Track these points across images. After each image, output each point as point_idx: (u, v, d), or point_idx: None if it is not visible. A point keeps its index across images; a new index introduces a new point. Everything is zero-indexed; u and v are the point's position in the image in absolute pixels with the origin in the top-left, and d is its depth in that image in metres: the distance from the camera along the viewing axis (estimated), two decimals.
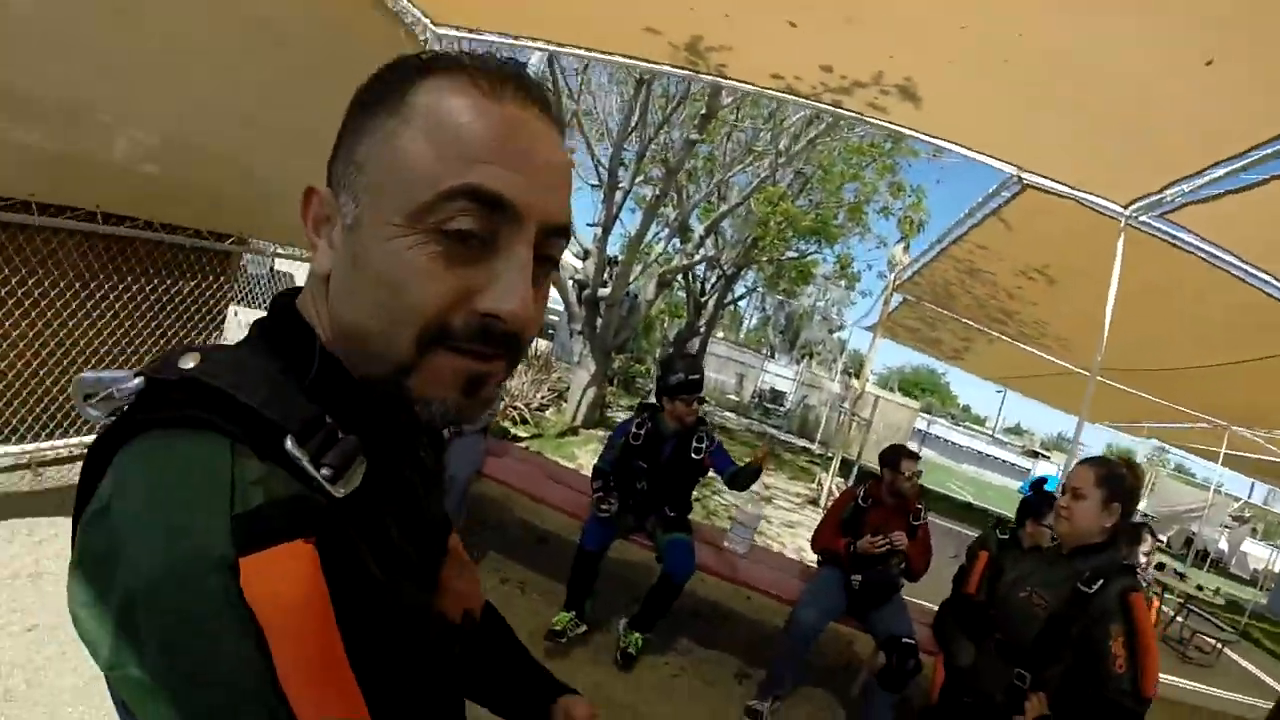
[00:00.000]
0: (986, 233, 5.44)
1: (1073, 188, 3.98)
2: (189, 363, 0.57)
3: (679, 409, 3.79)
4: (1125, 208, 3.80)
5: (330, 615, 0.52)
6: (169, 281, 4.38)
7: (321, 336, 0.64)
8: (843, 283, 21.80)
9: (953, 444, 33.68)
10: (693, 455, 3.88)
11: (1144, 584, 3.72)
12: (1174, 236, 3.85)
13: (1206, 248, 3.84)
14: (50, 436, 3.97)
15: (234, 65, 3.63)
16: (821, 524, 4.23)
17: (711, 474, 4.05)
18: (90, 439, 3.34)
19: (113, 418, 0.56)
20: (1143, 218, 3.77)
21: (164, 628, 0.47)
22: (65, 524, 3.24)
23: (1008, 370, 11.94)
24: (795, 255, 15.87)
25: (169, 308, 4.43)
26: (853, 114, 4.12)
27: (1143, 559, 4.12)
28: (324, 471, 0.56)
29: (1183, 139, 3.18)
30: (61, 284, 3.85)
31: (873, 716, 3.66)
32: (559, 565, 4.03)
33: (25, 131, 3.16)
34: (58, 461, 3.97)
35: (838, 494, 4.72)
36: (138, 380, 0.57)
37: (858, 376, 12.77)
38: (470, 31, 4.55)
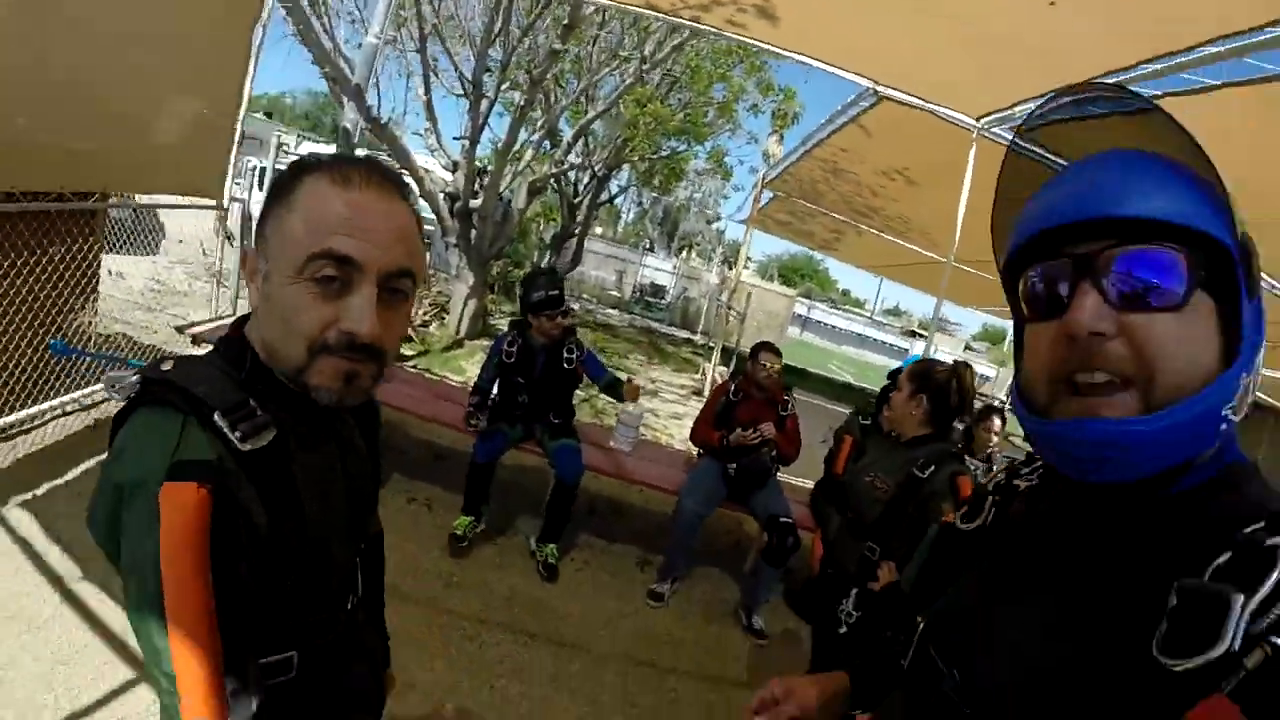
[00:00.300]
0: (847, 137, 5.69)
1: (926, 100, 4.26)
2: (166, 366, 0.89)
3: (544, 325, 3.94)
4: (977, 120, 4.14)
5: (203, 551, 0.79)
6: (34, 248, 4.15)
7: (256, 349, 0.94)
8: (718, 176, 21.99)
9: (833, 327, 34.72)
10: (565, 366, 4.08)
11: (975, 466, 4.11)
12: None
13: (1051, 156, 4.25)
14: None
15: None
16: (697, 419, 4.46)
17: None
18: None
19: (125, 400, 0.88)
20: (994, 129, 4.12)
21: (131, 516, 0.80)
22: None
23: (878, 259, 12.48)
24: (666, 154, 15.93)
25: (42, 275, 4.22)
26: (712, 30, 4.22)
27: (994, 439, 4.45)
28: (237, 434, 0.85)
29: (1030, 65, 3.51)
30: None
31: (760, 589, 4.14)
32: (459, 479, 4.22)
33: None
34: None
35: (719, 383, 5.01)
36: (136, 378, 0.88)
37: (734, 266, 13.11)
38: None
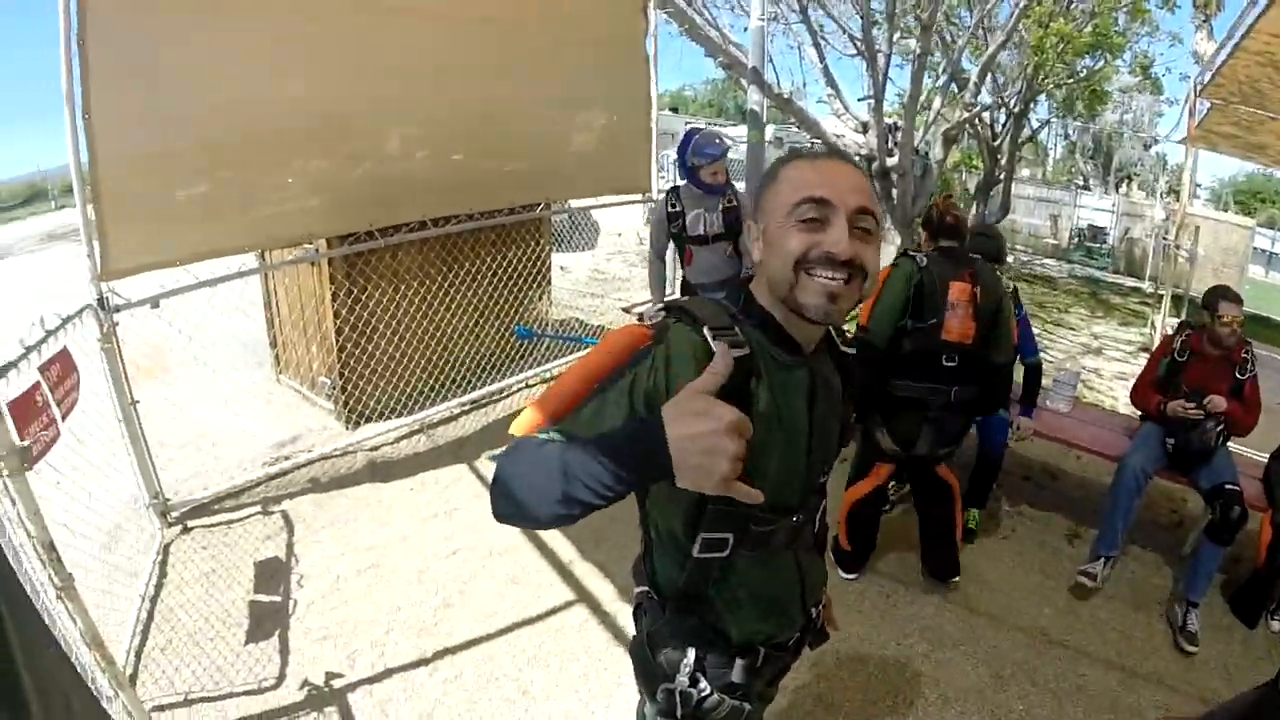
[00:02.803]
0: (1274, 20, 4.64)
1: None
2: (680, 302, 1.20)
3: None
4: None
5: (616, 360, 1.12)
6: (495, 255, 5.23)
7: (755, 296, 1.23)
8: (1146, 90, 18.85)
9: None
10: None
11: None
12: None
13: None
14: (433, 404, 4.96)
15: (488, 55, 4.43)
16: (1138, 379, 4.06)
17: None
18: (464, 399, 4.31)
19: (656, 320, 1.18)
20: None
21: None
22: (462, 469, 4.19)
23: None
24: (1083, 74, 14.11)
25: (502, 276, 5.33)
26: None
27: None
28: (716, 343, 1.08)
29: None
30: (414, 284, 4.76)
31: (1200, 577, 3.49)
32: None
33: (346, 176, 4.08)
34: (442, 422, 4.93)
35: None
36: (661, 307, 1.20)
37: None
38: None
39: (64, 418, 2.40)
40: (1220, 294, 3.66)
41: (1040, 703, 2.97)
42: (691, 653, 1.31)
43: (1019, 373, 4.00)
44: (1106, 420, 4.69)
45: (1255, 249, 19.81)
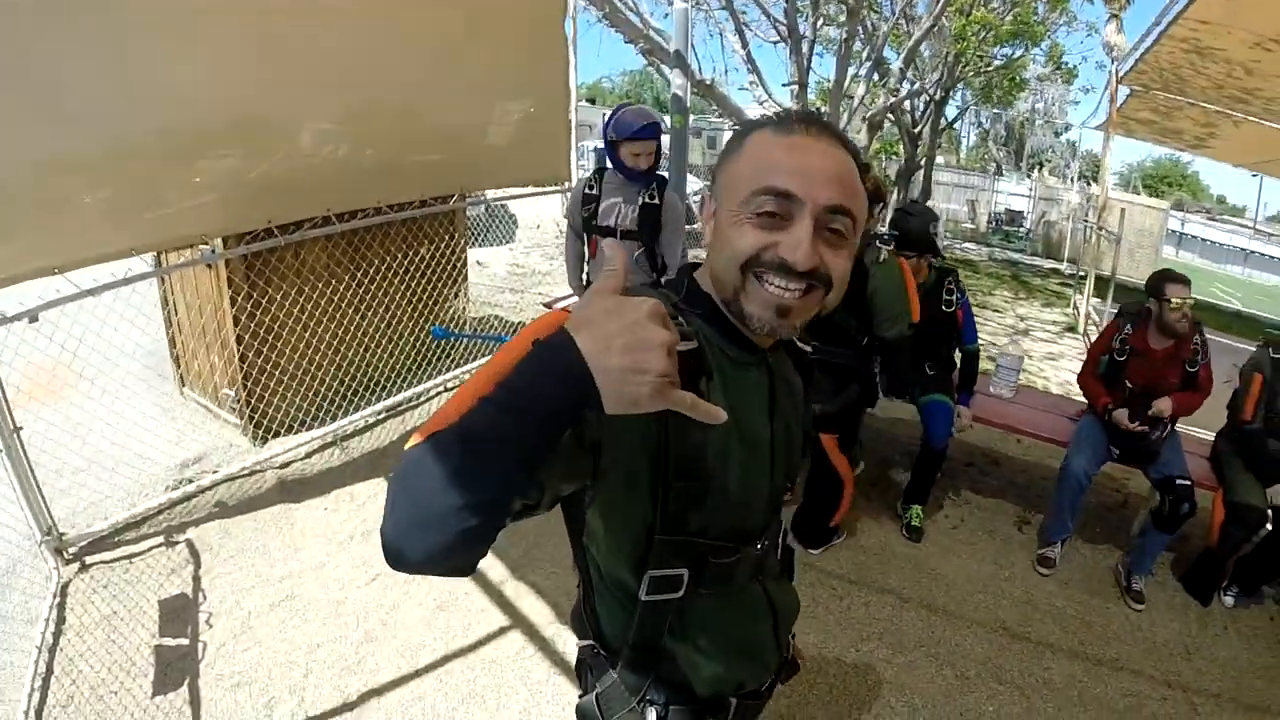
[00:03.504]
0: (1206, 6, 4.70)
1: None
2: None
3: (919, 264, 3.67)
4: None
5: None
6: (407, 250, 4.86)
7: (701, 285, 1.04)
8: (1059, 79, 19.52)
9: (1212, 243, 27.95)
10: (943, 309, 3.74)
11: None
12: None
13: None
14: (346, 414, 4.57)
15: (403, 47, 4.10)
16: (1083, 367, 3.89)
17: None
18: (379, 406, 3.91)
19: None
20: None
21: None
22: (379, 484, 3.83)
23: (1260, 154, 10.27)
24: (1001, 63, 14.47)
25: (415, 273, 4.95)
26: None
27: None
28: None
29: None
30: (319, 284, 4.37)
31: (1146, 556, 3.52)
32: None
33: (244, 172, 3.71)
34: (357, 433, 4.56)
35: (1094, 317, 4.33)
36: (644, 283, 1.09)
37: (1094, 182, 11.45)
38: None
39: None
40: (1166, 277, 3.48)
41: (1010, 700, 2.88)
42: (652, 714, 1.11)
43: (958, 359, 4.00)
44: (1048, 403, 4.64)
45: (1168, 230, 20.77)
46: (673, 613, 1.05)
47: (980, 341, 4.02)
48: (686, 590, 1.03)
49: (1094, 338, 3.87)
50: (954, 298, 3.74)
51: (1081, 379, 3.87)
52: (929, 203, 17.99)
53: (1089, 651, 3.19)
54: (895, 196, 16.25)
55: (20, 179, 2.96)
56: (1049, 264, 17.93)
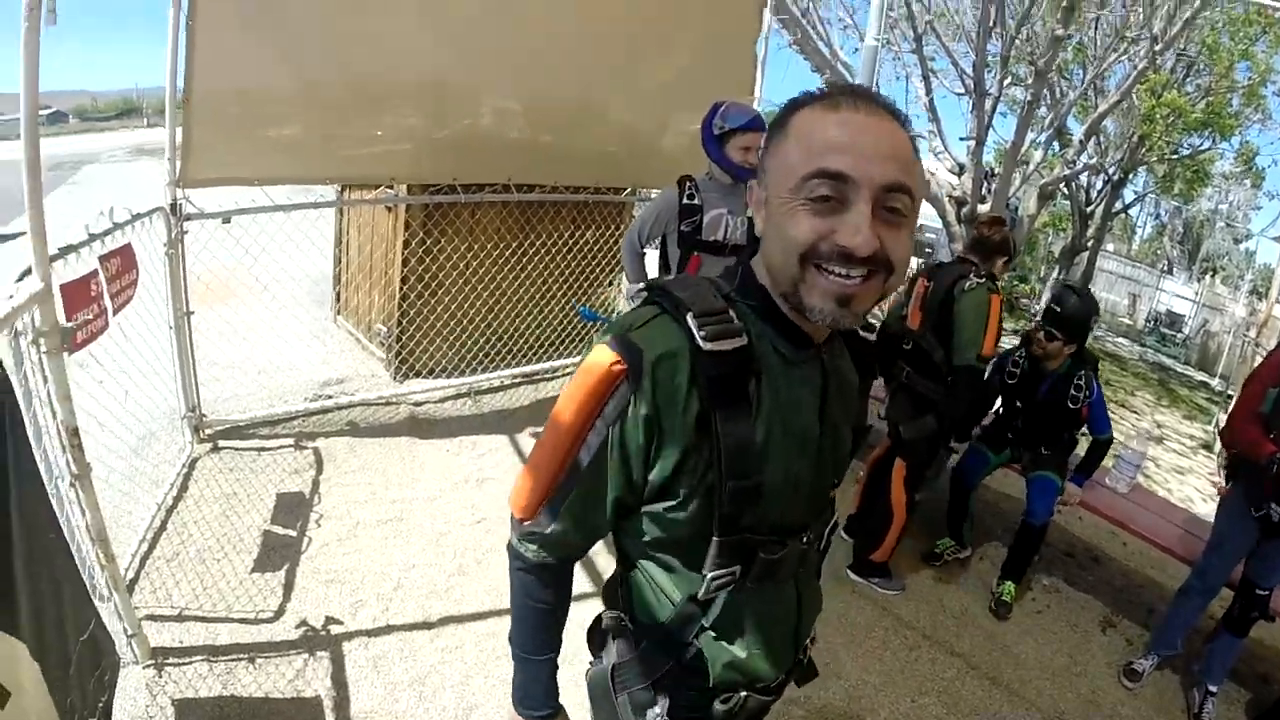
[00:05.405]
0: None
1: None
2: (661, 282, 1.02)
3: (1041, 343, 3.56)
4: None
5: (589, 412, 0.96)
6: (573, 231, 5.16)
7: (757, 276, 1.01)
8: (1246, 181, 18.26)
9: None
10: (1069, 405, 3.58)
11: None
12: None
13: None
14: (485, 370, 4.92)
15: (601, 36, 4.34)
16: (1234, 410, 3.17)
17: None
18: (516, 370, 4.36)
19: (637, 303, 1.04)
20: None
21: None
22: (502, 440, 4.12)
23: None
24: (1187, 152, 13.72)
25: (575, 253, 5.24)
26: None
27: None
28: (702, 333, 0.91)
29: None
30: (489, 246, 4.69)
31: (1217, 664, 3.27)
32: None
33: (438, 128, 4.05)
34: (491, 390, 4.89)
35: None
36: (641, 288, 1.06)
37: (1265, 297, 10.73)
38: None
39: (115, 312, 2.38)
40: None
41: None
42: (663, 702, 1.13)
43: (1083, 444, 3.88)
44: (1162, 508, 4.38)
45: None
46: (715, 604, 1.07)
47: (1112, 435, 3.85)
48: (736, 585, 1.04)
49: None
50: (1082, 394, 3.56)
51: (1234, 425, 3.06)
52: (1089, 288, 17.19)
53: None
54: (1056, 275, 15.66)
55: (239, 100, 3.37)
56: (1200, 375, 16.87)
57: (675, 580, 1.07)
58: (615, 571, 1.21)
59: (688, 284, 0.99)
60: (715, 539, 0.99)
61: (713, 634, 1.09)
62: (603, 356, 0.94)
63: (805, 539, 1.11)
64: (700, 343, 0.91)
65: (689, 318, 0.93)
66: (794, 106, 0.95)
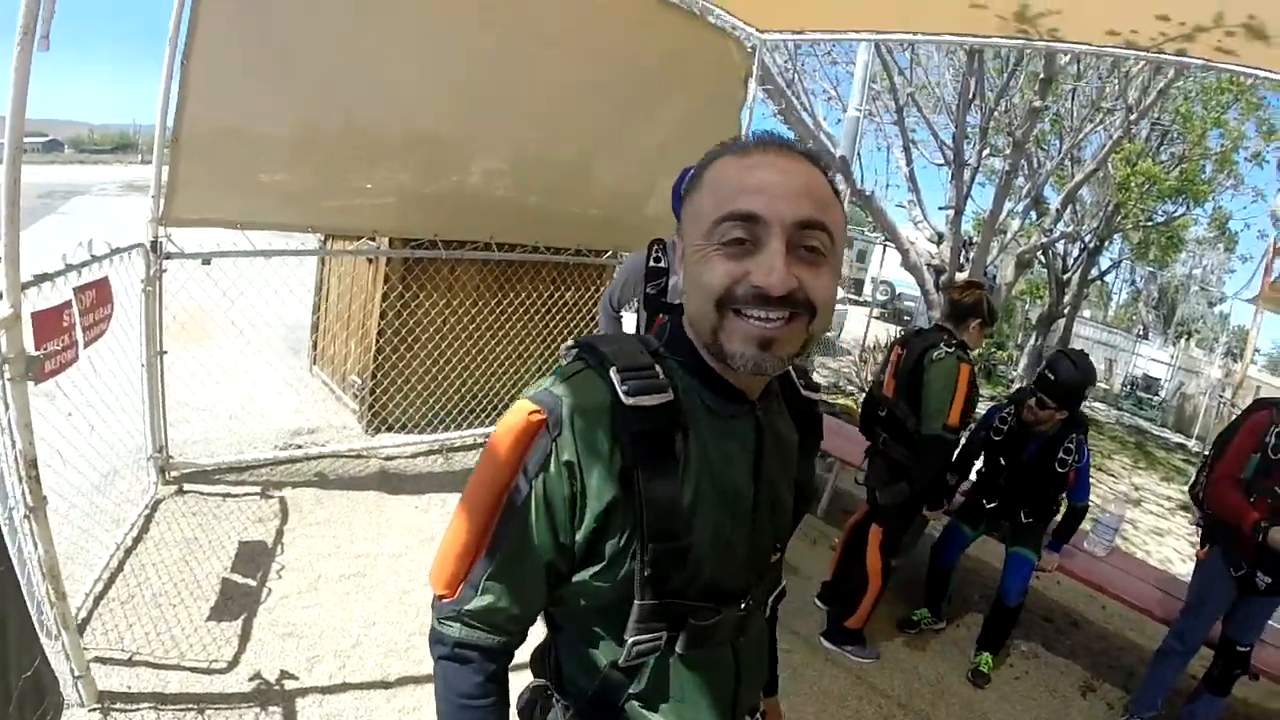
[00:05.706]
0: None
1: None
2: (588, 339, 0.99)
3: (1036, 411, 3.49)
4: None
5: (509, 466, 0.92)
6: (552, 291, 5.20)
7: (686, 330, 0.98)
8: (1220, 246, 18.70)
9: None
10: (1057, 468, 3.54)
11: None
12: None
13: None
14: (459, 428, 4.88)
15: (590, 101, 4.37)
16: (1217, 473, 3.09)
17: None
18: (490, 429, 4.20)
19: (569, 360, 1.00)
20: None
21: None
22: None
23: None
24: (1162, 219, 14.17)
25: (553, 313, 5.26)
26: (1199, 61, 3.81)
27: None
28: (624, 387, 0.89)
29: None
30: (467, 303, 4.71)
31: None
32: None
33: (425, 183, 4.08)
34: (464, 448, 4.85)
35: None
36: (569, 346, 1.01)
37: (1240, 358, 10.92)
38: (795, 34, 4.78)
39: (87, 345, 2.36)
40: None
41: None
42: None
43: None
44: (1141, 572, 4.37)
45: None
46: (642, 670, 1.02)
47: (1089, 502, 3.80)
48: (662, 652, 0.99)
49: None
50: (1071, 458, 3.52)
51: (1216, 491, 3.03)
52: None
53: None
54: (1034, 342, 15.85)
55: (229, 142, 3.37)
56: (1177, 438, 17.02)
57: (604, 647, 1.01)
58: (545, 638, 1.15)
59: (613, 340, 0.98)
60: (636, 602, 0.94)
61: (638, 703, 1.02)
62: (521, 408, 0.93)
63: (744, 605, 1.05)
64: (623, 397, 0.89)
65: (612, 372, 0.91)
66: (709, 160, 0.96)
